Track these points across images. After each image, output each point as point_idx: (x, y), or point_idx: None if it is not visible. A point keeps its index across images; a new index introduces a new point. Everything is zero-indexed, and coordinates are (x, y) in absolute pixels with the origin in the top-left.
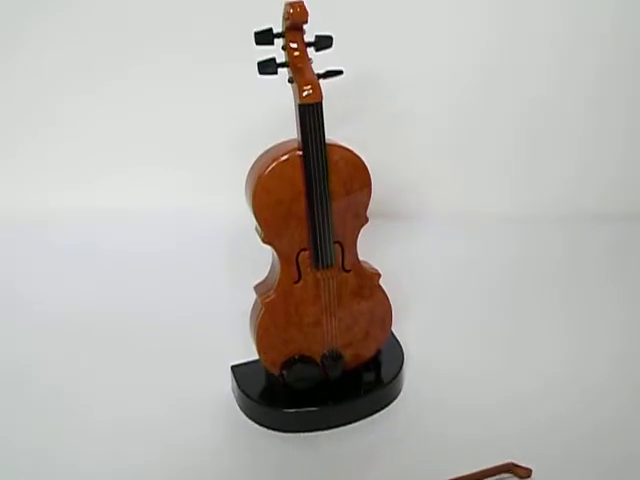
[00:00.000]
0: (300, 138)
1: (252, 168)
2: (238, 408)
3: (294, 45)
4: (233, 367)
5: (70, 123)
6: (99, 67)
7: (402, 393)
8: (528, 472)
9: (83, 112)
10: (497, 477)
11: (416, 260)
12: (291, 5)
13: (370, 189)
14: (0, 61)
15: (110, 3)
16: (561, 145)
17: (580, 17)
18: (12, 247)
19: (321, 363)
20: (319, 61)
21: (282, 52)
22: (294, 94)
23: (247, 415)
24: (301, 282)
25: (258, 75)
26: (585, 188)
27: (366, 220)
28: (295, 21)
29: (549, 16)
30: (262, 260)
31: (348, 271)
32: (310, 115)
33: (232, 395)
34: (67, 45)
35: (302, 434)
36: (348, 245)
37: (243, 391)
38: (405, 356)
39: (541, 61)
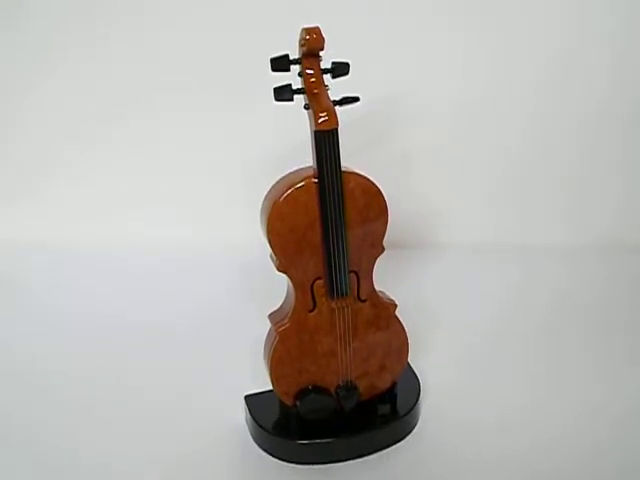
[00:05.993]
0: (315, 165)
1: (267, 195)
2: (251, 439)
3: (310, 71)
4: (247, 397)
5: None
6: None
7: (418, 426)
8: None
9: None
10: None
11: (435, 291)
12: (307, 31)
13: (387, 218)
14: None
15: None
16: (596, 177)
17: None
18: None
19: (335, 394)
20: (335, 89)
21: (298, 79)
22: (310, 121)
23: (260, 446)
24: (316, 311)
25: (274, 102)
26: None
27: (382, 249)
28: (311, 47)
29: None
30: (277, 289)
31: (364, 301)
32: (326, 142)
33: (245, 425)
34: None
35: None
36: (364, 274)
37: (257, 421)
38: (422, 389)
39: (583, 91)
